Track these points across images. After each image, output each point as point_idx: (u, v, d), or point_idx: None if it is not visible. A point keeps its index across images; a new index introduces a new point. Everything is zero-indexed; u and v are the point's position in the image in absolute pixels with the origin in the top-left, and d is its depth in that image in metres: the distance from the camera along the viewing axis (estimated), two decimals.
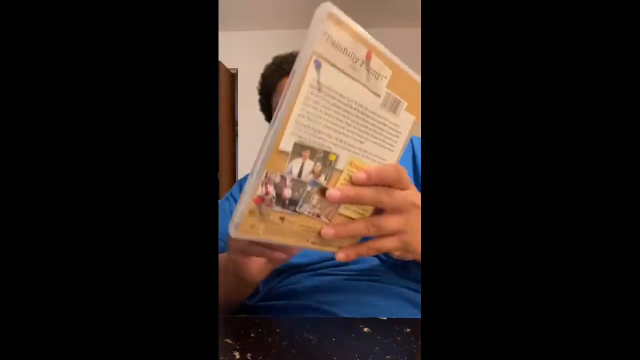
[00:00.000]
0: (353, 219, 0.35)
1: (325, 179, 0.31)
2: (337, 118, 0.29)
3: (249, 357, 0.31)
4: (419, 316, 0.49)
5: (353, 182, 0.33)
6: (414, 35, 3.74)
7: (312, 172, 0.31)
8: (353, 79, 0.29)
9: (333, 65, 0.27)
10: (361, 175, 0.32)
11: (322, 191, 0.32)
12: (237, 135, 4.14)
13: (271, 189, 0.30)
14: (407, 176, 0.35)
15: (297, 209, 0.32)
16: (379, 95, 0.30)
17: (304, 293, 0.53)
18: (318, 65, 0.27)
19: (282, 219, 0.32)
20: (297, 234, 0.33)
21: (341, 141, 0.30)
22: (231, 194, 0.73)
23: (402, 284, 0.54)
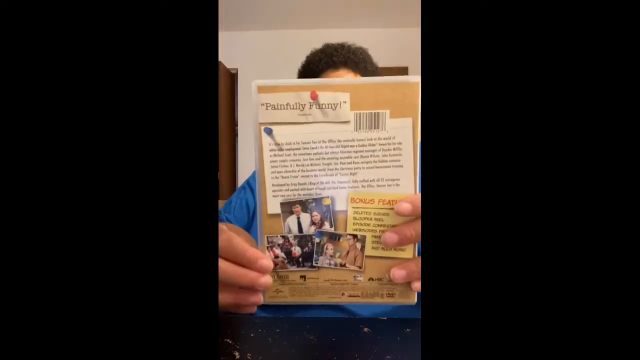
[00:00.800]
0: (392, 258, 0.31)
1: (331, 225, 0.30)
2: (312, 164, 0.29)
3: (249, 357, 0.31)
4: None
5: (398, 214, 0.29)
6: (414, 35, 3.74)
7: (313, 223, 0.30)
8: (309, 123, 0.29)
9: (283, 123, 0.29)
10: (404, 207, 0.28)
11: (334, 239, 0.30)
12: (237, 135, 4.14)
13: (278, 251, 0.30)
14: None
15: (314, 263, 0.31)
16: (348, 121, 0.29)
17: None
18: (269, 132, 0.29)
19: (304, 277, 0.31)
20: (327, 289, 0.32)
21: (328, 182, 0.29)
22: (248, 183, 0.72)
23: None
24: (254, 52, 3.92)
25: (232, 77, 4.05)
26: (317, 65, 0.70)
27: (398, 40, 3.75)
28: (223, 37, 3.81)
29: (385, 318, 0.39)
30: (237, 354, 0.31)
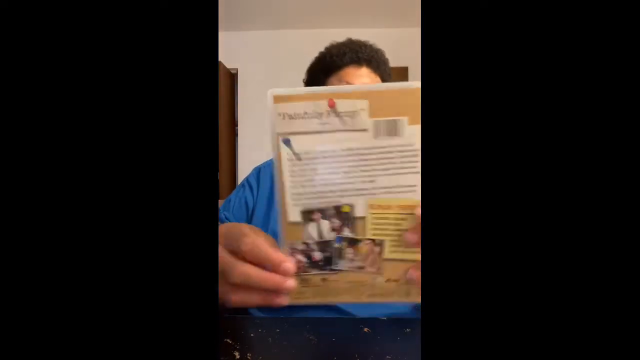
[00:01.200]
0: (410, 261, 0.31)
1: (351, 231, 0.30)
2: (331, 172, 0.29)
3: (249, 357, 0.31)
4: None
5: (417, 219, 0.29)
6: (414, 35, 3.74)
7: (333, 229, 0.30)
8: (328, 132, 0.29)
9: (301, 133, 0.29)
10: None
11: (353, 243, 0.31)
12: (237, 135, 4.14)
13: (300, 256, 0.31)
14: None
15: (333, 267, 0.31)
16: (366, 130, 0.29)
17: None
18: (287, 142, 0.29)
19: (324, 280, 0.32)
20: (348, 290, 0.32)
21: (347, 190, 0.30)
22: (247, 181, 0.71)
23: None
24: (254, 52, 3.92)
25: (232, 77, 4.05)
26: (340, 58, 0.68)
27: (398, 40, 3.74)
28: (223, 37, 3.80)
29: (385, 318, 0.39)
30: (237, 354, 0.31)
